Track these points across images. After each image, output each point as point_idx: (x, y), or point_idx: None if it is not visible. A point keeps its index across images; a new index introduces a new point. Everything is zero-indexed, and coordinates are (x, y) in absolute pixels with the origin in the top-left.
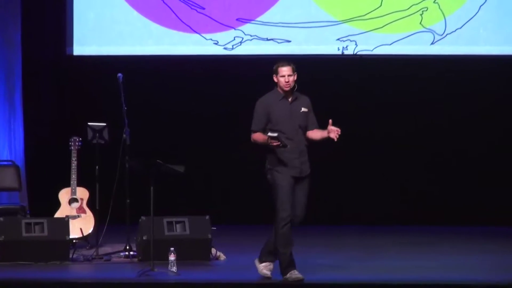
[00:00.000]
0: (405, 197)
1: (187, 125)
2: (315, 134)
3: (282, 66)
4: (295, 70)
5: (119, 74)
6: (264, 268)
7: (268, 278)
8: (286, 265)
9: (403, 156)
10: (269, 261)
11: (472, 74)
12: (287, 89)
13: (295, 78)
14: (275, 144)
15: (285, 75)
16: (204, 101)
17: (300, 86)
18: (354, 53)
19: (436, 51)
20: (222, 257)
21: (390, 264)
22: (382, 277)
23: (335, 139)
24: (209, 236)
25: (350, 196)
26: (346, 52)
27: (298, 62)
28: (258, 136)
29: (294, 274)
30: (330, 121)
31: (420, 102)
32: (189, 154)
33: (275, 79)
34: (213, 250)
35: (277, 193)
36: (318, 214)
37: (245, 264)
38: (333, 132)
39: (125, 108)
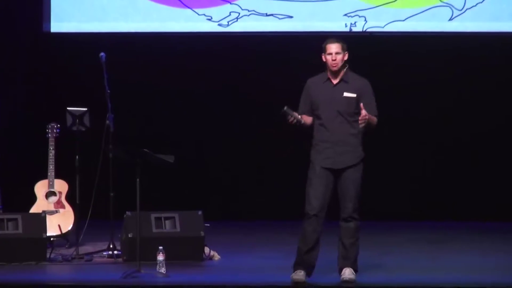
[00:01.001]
0: (418, 190)
1: (177, 110)
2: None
3: (330, 43)
4: (346, 49)
5: (102, 54)
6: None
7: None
8: (297, 261)
9: (417, 144)
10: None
11: (494, 53)
12: (334, 68)
13: (345, 57)
14: (290, 120)
15: (333, 53)
16: (196, 83)
17: (304, 66)
18: (363, 30)
19: (454, 27)
20: (216, 256)
21: (403, 264)
22: (393, 279)
23: (360, 124)
24: (202, 233)
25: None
26: (354, 29)
27: (301, 40)
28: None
29: (296, 275)
30: (361, 104)
31: (436, 84)
32: (180, 142)
33: (324, 58)
34: (206, 249)
35: (307, 186)
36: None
37: (242, 264)
38: (360, 118)
39: (109, 91)
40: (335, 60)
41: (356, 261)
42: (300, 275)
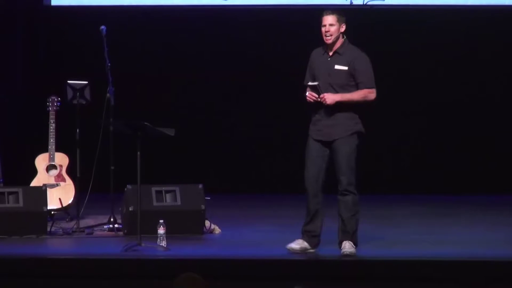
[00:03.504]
0: (423, 164)
1: (179, 84)
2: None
3: (325, 14)
4: (343, 20)
5: (102, 27)
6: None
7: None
8: (302, 231)
9: (420, 118)
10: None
11: (498, 26)
12: (327, 41)
13: (342, 29)
14: (313, 98)
15: (326, 25)
16: (198, 56)
17: (304, 41)
18: (364, 3)
19: (456, 0)
20: (217, 230)
21: (407, 237)
22: (398, 252)
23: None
24: (203, 207)
25: (363, 163)
26: (355, 2)
27: (302, 13)
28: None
29: (293, 243)
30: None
31: (438, 58)
32: (181, 115)
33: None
34: (207, 223)
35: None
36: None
37: (242, 238)
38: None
39: (109, 64)
40: (328, 31)
41: (355, 234)
42: (297, 243)
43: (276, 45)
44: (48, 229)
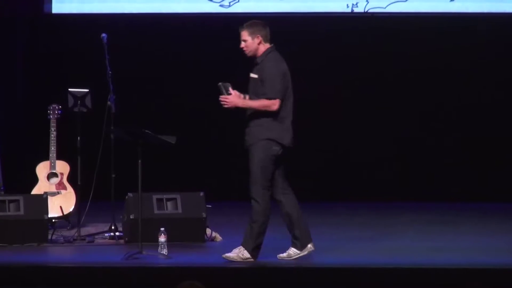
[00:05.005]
0: (423, 171)
1: (179, 91)
2: None
3: (239, 30)
4: (257, 32)
5: (103, 35)
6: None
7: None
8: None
9: (420, 125)
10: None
11: (497, 34)
12: (247, 56)
13: (257, 40)
14: (221, 98)
15: (241, 40)
16: (198, 64)
17: (306, 47)
18: (365, 10)
19: (456, 8)
20: (218, 238)
21: (405, 245)
22: (396, 260)
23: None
24: (204, 214)
25: (361, 170)
26: (356, 10)
27: (303, 20)
28: None
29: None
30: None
31: (438, 65)
32: (181, 123)
33: None
34: (208, 231)
35: None
36: (324, 190)
37: None
38: None
39: (110, 72)
40: (242, 47)
41: (248, 242)
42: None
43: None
44: (49, 237)
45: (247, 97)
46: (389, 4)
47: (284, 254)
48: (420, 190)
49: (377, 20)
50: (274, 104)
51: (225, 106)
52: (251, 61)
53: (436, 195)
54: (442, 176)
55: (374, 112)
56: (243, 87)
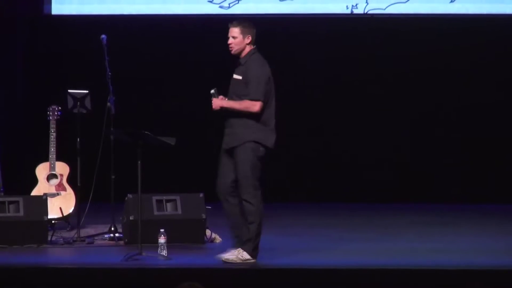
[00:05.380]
0: (421, 173)
1: (179, 92)
2: None
3: (229, 26)
4: (248, 32)
5: (103, 36)
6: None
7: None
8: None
9: (419, 126)
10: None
11: (497, 35)
12: (231, 52)
13: (247, 41)
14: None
15: (229, 37)
16: (197, 65)
17: (305, 48)
18: (365, 12)
19: (456, 9)
20: (218, 239)
21: (405, 246)
22: (396, 261)
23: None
24: (203, 216)
25: (360, 171)
26: (355, 11)
27: (303, 22)
28: None
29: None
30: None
31: (438, 66)
32: (181, 124)
33: None
34: (208, 232)
35: None
36: (323, 191)
37: None
38: None
39: (110, 73)
40: (230, 43)
41: (248, 243)
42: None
43: (276, 54)
44: (49, 238)
45: (226, 99)
46: (389, 6)
47: (232, 256)
48: (419, 191)
49: (376, 22)
50: (255, 105)
51: (212, 108)
52: None
53: (435, 196)
54: (442, 177)
55: (374, 113)
56: None
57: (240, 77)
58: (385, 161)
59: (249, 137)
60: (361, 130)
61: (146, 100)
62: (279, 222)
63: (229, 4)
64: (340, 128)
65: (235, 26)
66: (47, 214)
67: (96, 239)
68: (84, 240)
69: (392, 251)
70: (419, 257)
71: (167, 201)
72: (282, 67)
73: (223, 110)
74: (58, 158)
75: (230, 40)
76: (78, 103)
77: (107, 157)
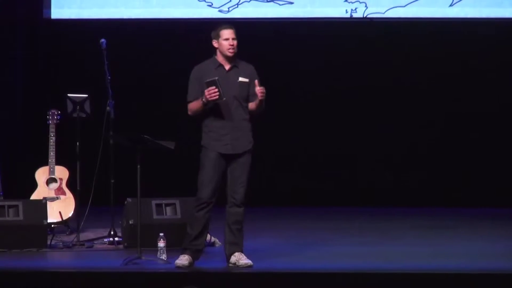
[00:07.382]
0: (423, 177)
1: (178, 97)
2: (252, 104)
3: (226, 28)
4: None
5: (102, 40)
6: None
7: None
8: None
9: (418, 130)
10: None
11: (495, 39)
12: (230, 54)
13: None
14: (212, 96)
15: (229, 38)
16: None
17: (305, 52)
18: (364, 16)
19: (455, 13)
20: (217, 243)
21: (404, 250)
22: (395, 265)
23: (260, 98)
24: None
25: (360, 175)
26: (355, 15)
27: (302, 26)
28: (194, 105)
29: (180, 260)
30: (256, 81)
31: (437, 70)
32: (180, 129)
33: (215, 45)
34: (207, 236)
35: (199, 172)
36: (324, 194)
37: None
38: (258, 93)
39: (109, 77)
40: (232, 45)
41: (242, 247)
42: (183, 259)
43: (275, 58)
44: (48, 242)
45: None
46: (388, 10)
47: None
48: (419, 195)
49: (376, 26)
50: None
51: (261, 97)
52: None
53: (435, 200)
54: (441, 181)
55: (373, 117)
56: None
57: (247, 80)
58: (384, 165)
59: (251, 141)
60: (358, 134)
61: (145, 105)
62: (277, 225)
63: (228, 8)
64: (338, 132)
65: (233, 28)
66: (46, 218)
67: (96, 243)
68: (83, 244)
69: (391, 255)
70: (419, 261)
71: (167, 205)
72: (281, 71)
73: (262, 102)
74: (58, 162)
75: (232, 42)
76: (78, 107)
77: (107, 161)
